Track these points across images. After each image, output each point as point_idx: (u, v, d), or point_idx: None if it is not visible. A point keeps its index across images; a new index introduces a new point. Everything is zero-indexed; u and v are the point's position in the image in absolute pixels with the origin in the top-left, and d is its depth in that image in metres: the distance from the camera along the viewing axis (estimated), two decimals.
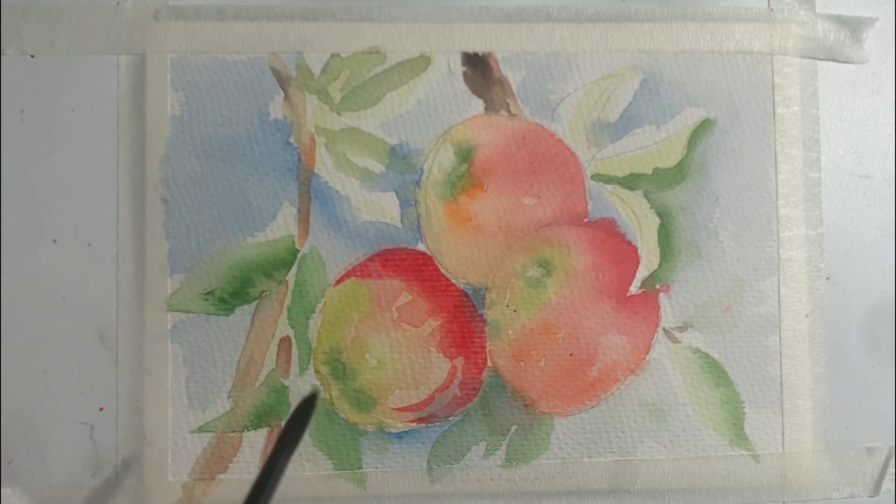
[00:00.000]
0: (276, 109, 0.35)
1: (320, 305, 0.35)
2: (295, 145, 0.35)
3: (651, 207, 0.36)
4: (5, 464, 0.34)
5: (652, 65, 0.37)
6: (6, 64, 0.35)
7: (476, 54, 0.36)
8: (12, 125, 0.35)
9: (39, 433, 0.34)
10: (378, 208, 0.35)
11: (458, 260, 0.35)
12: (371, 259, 0.35)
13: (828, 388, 0.37)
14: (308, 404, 0.29)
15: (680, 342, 0.36)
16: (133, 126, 0.35)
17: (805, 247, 0.37)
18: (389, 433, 0.35)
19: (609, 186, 0.36)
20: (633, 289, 0.36)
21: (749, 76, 0.37)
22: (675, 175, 0.36)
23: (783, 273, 0.37)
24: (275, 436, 0.35)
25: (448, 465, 0.35)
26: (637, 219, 0.36)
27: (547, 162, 0.36)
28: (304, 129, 0.35)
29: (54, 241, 0.35)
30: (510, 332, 0.36)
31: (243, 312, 0.35)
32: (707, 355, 0.36)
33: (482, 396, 0.35)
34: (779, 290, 0.36)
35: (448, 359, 0.35)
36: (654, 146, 0.36)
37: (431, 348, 0.35)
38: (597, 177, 0.36)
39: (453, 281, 0.35)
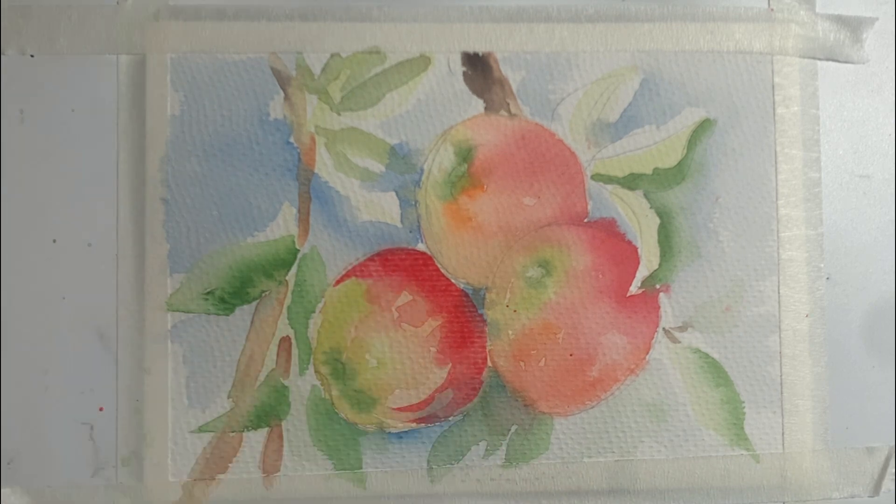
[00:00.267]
0: (276, 109, 0.35)
1: (320, 305, 0.35)
2: (295, 145, 0.35)
3: (651, 207, 0.36)
4: (5, 464, 0.34)
5: (652, 65, 0.37)
6: (6, 64, 0.35)
7: (476, 54, 0.36)
8: (12, 125, 0.35)
9: (39, 433, 0.34)
10: (378, 208, 0.35)
11: (458, 260, 0.35)
12: (371, 259, 0.35)
13: (828, 388, 0.37)
14: None
15: (680, 342, 0.36)
16: (133, 126, 0.35)
17: (805, 247, 0.37)
18: (389, 433, 0.35)
19: (609, 186, 0.36)
20: (633, 289, 0.36)
21: (749, 76, 0.37)
22: (675, 175, 0.36)
23: (783, 273, 0.36)
24: (275, 436, 0.35)
25: (448, 465, 0.35)
26: (637, 219, 0.36)
27: (547, 162, 0.36)
28: (304, 129, 0.35)
29: (54, 241, 0.35)
30: (510, 332, 0.35)
31: (243, 312, 0.35)
32: (707, 355, 0.36)
33: (482, 396, 0.35)
34: (779, 290, 0.36)
35: (448, 359, 0.35)
36: (654, 146, 0.36)
37: (431, 348, 0.35)
38: (597, 177, 0.36)
39: (453, 281, 0.35)
